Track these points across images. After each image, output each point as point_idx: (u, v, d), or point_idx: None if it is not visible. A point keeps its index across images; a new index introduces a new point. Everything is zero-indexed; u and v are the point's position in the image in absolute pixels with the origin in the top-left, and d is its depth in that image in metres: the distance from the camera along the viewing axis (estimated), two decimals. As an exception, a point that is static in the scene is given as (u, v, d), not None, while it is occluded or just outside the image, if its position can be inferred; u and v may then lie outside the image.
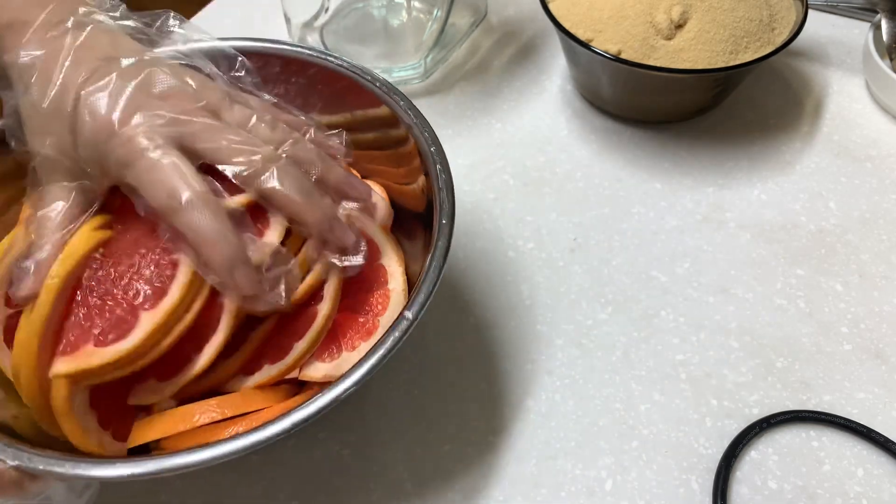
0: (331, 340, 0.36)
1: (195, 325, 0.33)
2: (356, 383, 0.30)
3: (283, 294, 0.33)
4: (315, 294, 0.37)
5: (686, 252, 0.47)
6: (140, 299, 0.32)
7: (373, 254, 0.39)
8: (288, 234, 0.34)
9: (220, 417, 0.33)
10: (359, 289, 0.38)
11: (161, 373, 0.33)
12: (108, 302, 0.32)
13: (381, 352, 0.31)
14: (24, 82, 0.32)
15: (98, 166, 0.32)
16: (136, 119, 0.31)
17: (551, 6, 0.52)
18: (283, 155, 0.33)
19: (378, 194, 0.43)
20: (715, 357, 0.42)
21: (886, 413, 0.40)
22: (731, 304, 0.45)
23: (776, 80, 0.58)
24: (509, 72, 0.60)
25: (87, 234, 0.33)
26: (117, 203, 0.36)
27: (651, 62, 0.49)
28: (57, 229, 0.33)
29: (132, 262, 0.33)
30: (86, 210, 0.34)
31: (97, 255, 0.33)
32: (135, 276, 0.32)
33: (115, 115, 0.31)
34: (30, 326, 0.31)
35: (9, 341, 0.33)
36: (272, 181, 0.32)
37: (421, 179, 0.40)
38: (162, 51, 0.38)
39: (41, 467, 0.28)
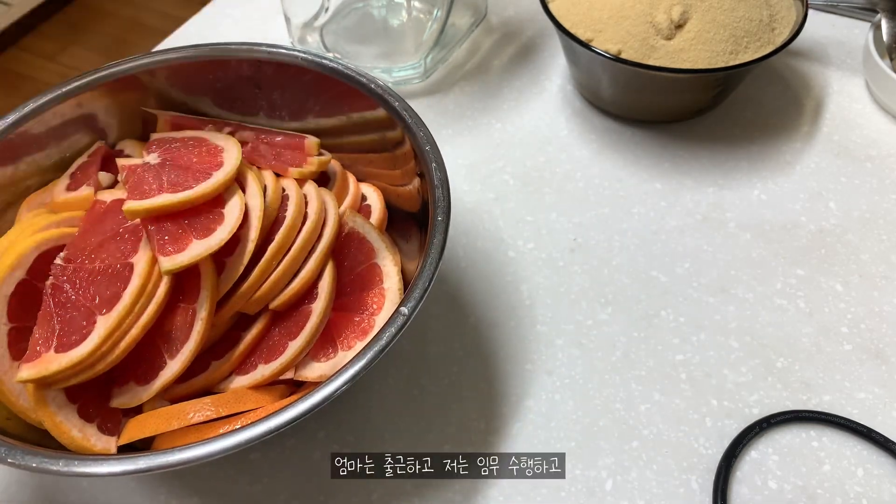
0: (326, 340, 0.36)
1: (168, 331, 0.34)
2: (352, 379, 0.30)
3: None
4: (309, 292, 0.37)
5: (686, 252, 0.47)
6: (97, 303, 0.32)
7: (368, 254, 0.39)
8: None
9: (214, 416, 0.33)
10: (354, 288, 0.38)
11: (139, 376, 0.34)
12: (68, 307, 0.32)
13: (376, 348, 0.31)
14: None
15: None
16: None
17: (551, 6, 0.52)
18: None
19: (373, 196, 0.44)
20: (715, 357, 0.42)
21: (886, 413, 0.39)
22: (731, 304, 0.44)
23: (776, 80, 0.58)
24: (509, 72, 0.60)
25: (25, 237, 0.35)
26: (88, 206, 0.37)
27: (651, 62, 0.49)
28: None
29: (93, 267, 0.33)
30: None
31: (59, 262, 0.34)
32: (94, 280, 0.33)
33: None
34: None
35: (14, 353, 0.33)
36: None
37: (416, 181, 0.40)
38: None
39: (34, 465, 0.29)
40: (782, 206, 0.49)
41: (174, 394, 0.35)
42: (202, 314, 0.34)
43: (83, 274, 0.33)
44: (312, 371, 0.36)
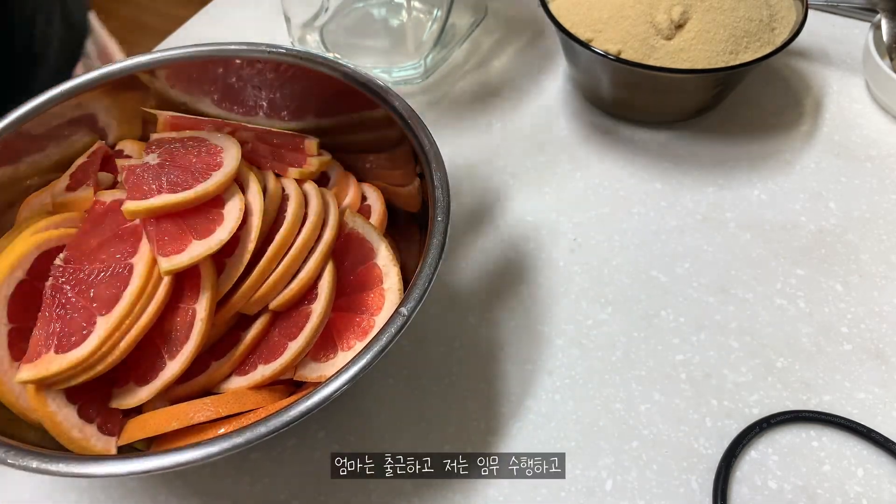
0: (326, 340, 0.36)
1: (168, 331, 0.34)
2: (352, 379, 0.30)
3: None
4: (309, 293, 0.37)
5: (686, 252, 0.47)
6: (96, 304, 0.32)
7: (368, 254, 0.39)
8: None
9: (214, 416, 0.33)
10: (354, 288, 0.38)
11: (139, 377, 0.34)
12: (69, 308, 0.32)
13: (376, 348, 0.31)
14: None
15: None
16: None
17: (551, 6, 0.52)
18: None
19: (373, 196, 0.44)
20: (715, 357, 0.42)
21: (886, 413, 0.39)
22: (731, 304, 0.44)
23: (776, 80, 0.58)
24: (509, 72, 0.60)
25: (25, 237, 0.35)
26: (88, 205, 0.37)
27: (651, 62, 0.49)
28: None
29: (93, 267, 0.33)
30: None
31: (59, 263, 0.34)
32: (94, 281, 0.33)
33: None
34: None
35: (14, 354, 0.33)
36: None
37: (416, 181, 0.40)
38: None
39: (34, 465, 0.29)
40: (782, 206, 0.49)
41: (174, 394, 0.35)
42: (202, 314, 0.34)
43: (83, 274, 0.33)
44: (312, 371, 0.36)
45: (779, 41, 0.49)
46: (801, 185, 0.51)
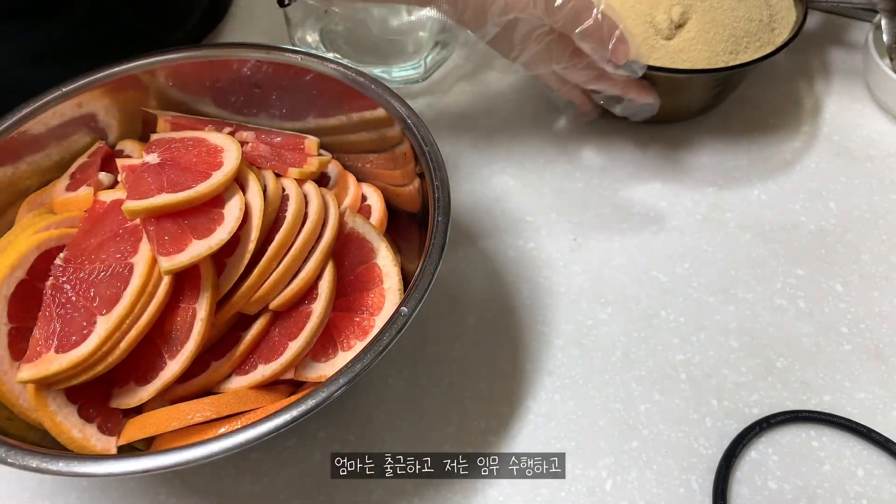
0: (326, 340, 0.36)
1: (168, 331, 0.34)
2: (352, 379, 0.30)
3: None
4: (309, 293, 0.37)
5: (686, 252, 0.47)
6: (97, 304, 0.32)
7: (368, 254, 0.39)
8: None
9: (214, 416, 0.33)
10: (354, 288, 0.38)
11: (139, 376, 0.34)
12: (69, 307, 0.32)
13: (376, 348, 0.31)
14: None
15: None
16: None
17: (551, 6, 0.52)
18: None
19: (373, 196, 0.44)
20: (715, 357, 0.42)
21: (886, 413, 0.39)
22: (731, 304, 0.44)
23: (776, 80, 0.58)
24: (509, 72, 0.60)
25: (25, 237, 0.35)
26: (89, 206, 0.37)
27: (651, 62, 0.48)
28: None
29: (93, 267, 0.34)
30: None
31: (59, 262, 0.34)
32: (94, 281, 0.33)
33: None
34: None
35: (14, 353, 0.33)
36: None
37: (416, 181, 0.40)
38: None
39: (34, 465, 0.29)
40: (782, 206, 0.49)
41: (174, 394, 0.35)
42: (202, 314, 0.34)
43: (83, 274, 0.33)
44: (312, 371, 0.35)
45: (779, 41, 0.49)
46: (801, 185, 0.51)
